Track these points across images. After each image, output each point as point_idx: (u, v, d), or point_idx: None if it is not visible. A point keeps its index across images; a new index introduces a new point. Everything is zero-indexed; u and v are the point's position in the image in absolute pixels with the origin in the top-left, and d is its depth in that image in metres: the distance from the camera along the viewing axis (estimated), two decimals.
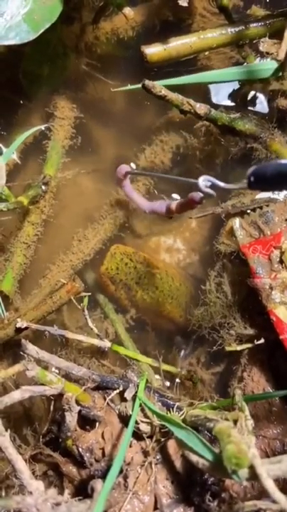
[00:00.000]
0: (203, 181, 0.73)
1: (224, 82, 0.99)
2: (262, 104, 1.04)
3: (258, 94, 1.04)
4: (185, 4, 0.90)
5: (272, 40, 0.93)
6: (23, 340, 0.79)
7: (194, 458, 0.70)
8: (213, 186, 0.74)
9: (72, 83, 1.13)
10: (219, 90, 1.05)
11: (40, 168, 1.09)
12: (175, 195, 1.09)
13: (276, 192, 0.97)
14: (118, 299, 1.07)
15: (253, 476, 0.60)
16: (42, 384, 0.79)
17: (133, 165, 1.10)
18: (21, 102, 1.11)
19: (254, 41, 1.01)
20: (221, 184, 0.74)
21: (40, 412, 0.99)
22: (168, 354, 1.05)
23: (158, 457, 0.82)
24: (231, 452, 0.60)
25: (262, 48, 0.93)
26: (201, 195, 0.78)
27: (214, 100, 1.06)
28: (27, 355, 0.80)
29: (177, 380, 0.99)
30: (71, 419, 0.81)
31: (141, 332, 1.08)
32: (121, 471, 0.80)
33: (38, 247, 1.07)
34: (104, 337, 0.98)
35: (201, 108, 0.91)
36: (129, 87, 1.00)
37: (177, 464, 0.82)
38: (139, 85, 0.88)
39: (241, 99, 1.04)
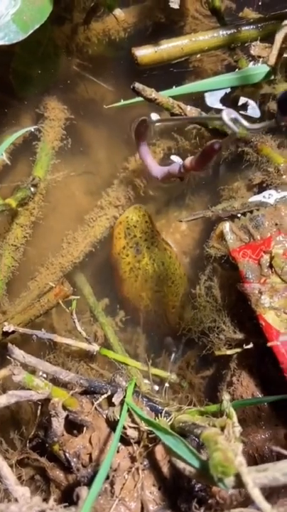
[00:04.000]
0: (227, 115, 0.69)
1: (217, 89, 0.99)
2: (253, 109, 1.03)
3: (249, 98, 1.03)
4: (177, 7, 0.89)
5: (263, 44, 0.93)
6: (9, 345, 0.78)
7: (181, 465, 0.70)
8: (236, 122, 0.70)
9: (62, 84, 1.12)
10: (210, 93, 1.04)
11: (29, 169, 1.08)
12: (173, 157, 1.08)
13: (266, 196, 0.97)
14: (119, 262, 1.03)
15: (240, 484, 0.60)
16: (29, 389, 0.78)
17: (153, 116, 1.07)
18: (11, 102, 1.10)
19: (246, 44, 1.00)
20: (246, 123, 0.69)
21: (27, 415, 0.98)
22: (157, 357, 1.05)
23: (145, 463, 0.81)
24: (218, 460, 0.60)
25: (253, 51, 0.93)
26: (220, 142, 0.74)
27: (207, 102, 1.05)
28: (13, 360, 0.79)
29: (167, 384, 0.99)
30: (58, 424, 0.80)
31: (131, 333, 1.07)
32: (107, 477, 0.79)
33: (26, 249, 1.06)
34: (93, 340, 0.97)
35: (192, 111, 0.90)
36: (122, 102, 0.99)
37: (165, 469, 0.81)
38: (132, 101, 0.86)
39: (232, 103, 1.03)
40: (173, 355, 1.06)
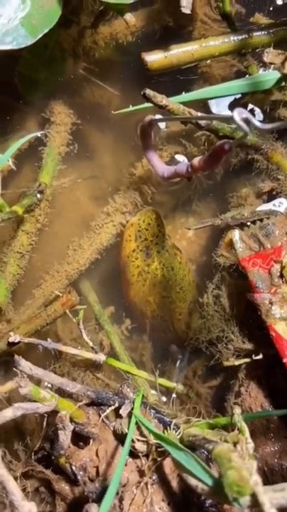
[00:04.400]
0: (238, 114, 0.65)
1: (227, 96, 0.97)
2: (263, 115, 1.02)
3: (258, 105, 1.01)
4: (189, 12, 0.88)
5: (276, 51, 0.91)
6: (16, 357, 0.76)
7: (193, 481, 0.68)
8: (248, 123, 0.66)
9: (69, 88, 1.10)
10: (217, 102, 1.02)
11: (34, 174, 1.06)
12: (178, 156, 1.06)
13: (277, 204, 0.96)
14: (128, 265, 1.01)
15: (256, 503, 0.58)
16: (35, 401, 0.76)
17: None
18: (16, 106, 1.09)
19: (257, 50, 0.99)
20: (258, 123, 0.66)
21: (32, 425, 0.96)
22: (164, 366, 1.03)
23: (154, 477, 0.80)
24: (233, 479, 0.58)
25: (266, 58, 0.91)
26: (231, 142, 0.71)
27: (214, 110, 1.04)
28: (20, 372, 0.77)
29: (174, 395, 0.97)
30: (65, 437, 0.79)
31: (137, 341, 1.06)
32: (116, 493, 0.77)
33: (31, 256, 1.04)
34: (99, 349, 0.95)
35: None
36: (131, 108, 0.97)
37: (174, 484, 0.80)
38: (141, 106, 0.85)
39: None
40: (179, 363, 1.04)
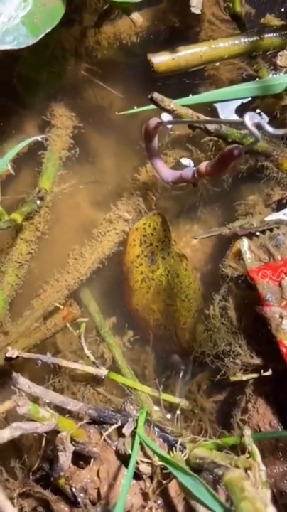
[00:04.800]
0: (250, 119, 0.63)
1: (236, 99, 0.94)
2: (273, 121, 0.98)
3: (268, 110, 0.98)
4: (198, 12, 0.84)
5: None
6: (14, 374, 0.72)
7: (201, 509, 0.65)
8: (259, 128, 0.64)
9: (70, 90, 1.07)
10: (228, 104, 0.99)
11: (34, 179, 1.03)
12: (183, 160, 1.03)
13: None
14: (132, 271, 0.97)
15: None
16: (34, 420, 0.73)
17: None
18: (15, 108, 1.05)
19: (268, 53, 0.95)
20: (270, 129, 0.63)
21: (29, 441, 0.92)
22: (167, 380, 1.00)
23: (159, 501, 0.76)
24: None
25: (279, 61, 0.88)
26: (240, 147, 0.69)
27: (221, 115, 1.00)
28: (18, 390, 0.73)
29: (178, 411, 0.93)
30: (65, 459, 0.75)
31: (139, 353, 1.02)
32: None
33: (30, 265, 1.00)
34: (100, 363, 0.91)
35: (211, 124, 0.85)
36: (135, 110, 0.94)
37: (180, 508, 0.76)
38: (145, 108, 0.81)
39: None
40: (181, 375, 1.01)
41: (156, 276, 0.95)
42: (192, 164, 1.03)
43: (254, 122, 0.64)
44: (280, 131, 0.66)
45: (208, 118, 0.86)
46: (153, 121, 0.87)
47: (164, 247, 0.95)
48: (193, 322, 1.00)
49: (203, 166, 0.80)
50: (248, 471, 0.66)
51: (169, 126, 1.03)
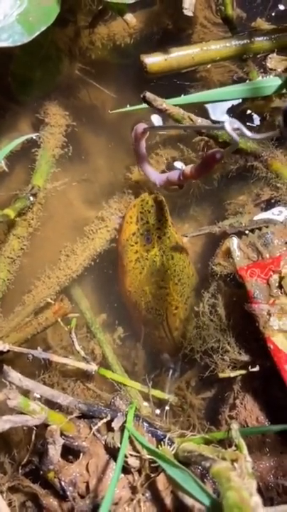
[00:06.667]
0: (230, 124, 0.65)
1: (226, 100, 0.95)
2: (262, 122, 1.00)
3: (258, 112, 1.00)
4: (191, 14, 0.86)
5: (280, 57, 0.90)
6: (5, 367, 0.73)
7: (189, 501, 0.66)
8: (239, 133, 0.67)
9: (64, 89, 1.07)
10: (218, 105, 1.00)
11: (27, 176, 1.03)
12: (176, 163, 1.04)
13: (276, 213, 0.94)
14: (126, 250, 0.96)
15: None
16: (24, 413, 0.73)
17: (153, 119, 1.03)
18: (9, 106, 1.05)
19: (258, 56, 0.97)
20: (249, 133, 0.66)
21: (19, 436, 0.92)
22: (157, 377, 1.01)
23: (147, 494, 0.77)
24: (233, 501, 0.55)
25: (269, 64, 0.90)
26: (222, 151, 0.71)
27: (213, 116, 1.02)
28: (9, 383, 0.74)
29: (167, 407, 0.94)
30: (54, 452, 0.76)
31: (130, 348, 1.03)
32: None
33: (22, 261, 1.00)
34: (90, 359, 0.92)
35: (202, 123, 0.86)
36: (128, 108, 0.95)
37: (168, 501, 0.77)
38: (139, 106, 0.83)
39: (240, 116, 1.00)
40: (171, 372, 1.01)
41: (150, 256, 0.94)
42: (184, 166, 1.04)
43: (234, 127, 0.67)
44: (259, 136, 0.69)
45: (200, 120, 0.87)
46: (140, 127, 0.89)
47: (161, 226, 0.94)
48: (185, 309, 1.00)
49: (188, 169, 0.82)
50: (235, 463, 0.67)
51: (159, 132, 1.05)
